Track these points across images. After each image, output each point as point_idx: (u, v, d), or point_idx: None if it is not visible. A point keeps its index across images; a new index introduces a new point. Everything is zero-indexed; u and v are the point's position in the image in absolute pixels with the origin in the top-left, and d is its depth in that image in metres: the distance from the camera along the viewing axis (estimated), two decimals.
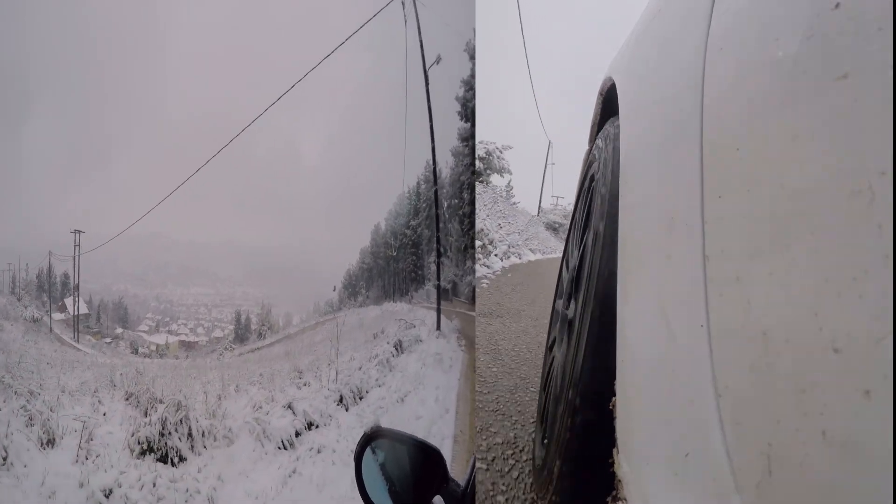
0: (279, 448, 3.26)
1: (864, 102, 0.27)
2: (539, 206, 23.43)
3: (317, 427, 3.51)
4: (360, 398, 3.97)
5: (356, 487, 0.60)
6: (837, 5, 0.30)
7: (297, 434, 3.39)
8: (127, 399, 3.81)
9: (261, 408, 3.65)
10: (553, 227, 20.87)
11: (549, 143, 24.58)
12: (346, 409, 3.76)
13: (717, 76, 0.46)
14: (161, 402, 3.46)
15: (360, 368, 4.42)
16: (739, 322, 0.37)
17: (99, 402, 3.77)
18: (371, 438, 0.61)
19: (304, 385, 4.29)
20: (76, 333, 6.78)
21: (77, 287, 6.90)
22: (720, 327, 0.40)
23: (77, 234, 6.60)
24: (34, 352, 5.23)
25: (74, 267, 6.71)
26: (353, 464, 0.60)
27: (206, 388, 4.32)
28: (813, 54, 0.31)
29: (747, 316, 0.36)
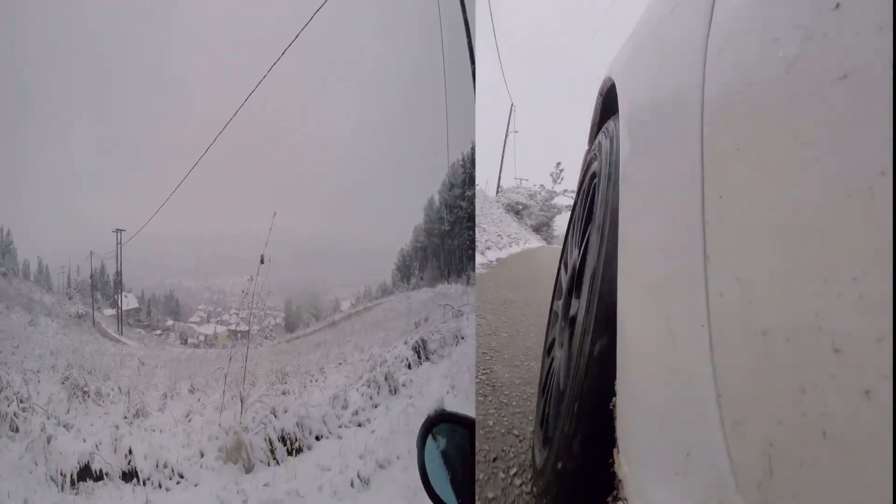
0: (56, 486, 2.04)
1: (864, 102, 0.27)
2: (498, 184, 20.12)
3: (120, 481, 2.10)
4: (250, 469, 2.22)
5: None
6: (837, 5, 0.30)
7: (89, 478, 2.08)
8: (63, 382, 3.28)
9: (189, 420, 2.57)
10: (515, 210, 17.30)
11: (512, 105, 20.11)
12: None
13: (717, 76, 0.46)
14: (84, 391, 3.01)
15: (351, 388, 2.90)
16: (739, 322, 0.37)
17: (38, 381, 3.24)
18: (434, 423, 0.58)
19: (284, 394, 3.12)
20: (120, 327, 6.90)
21: (121, 283, 7.04)
22: (720, 327, 0.40)
23: (119, 233, 6.75)
24: (52, 343, 5.08)
25: (118, 264, 6.85)
26: None
27: (175, 384, 3.75)
28: (813, 54, 0.31)
29: (747, 316, 0.36)
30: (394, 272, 7.87)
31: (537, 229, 19.04)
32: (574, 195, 1.27)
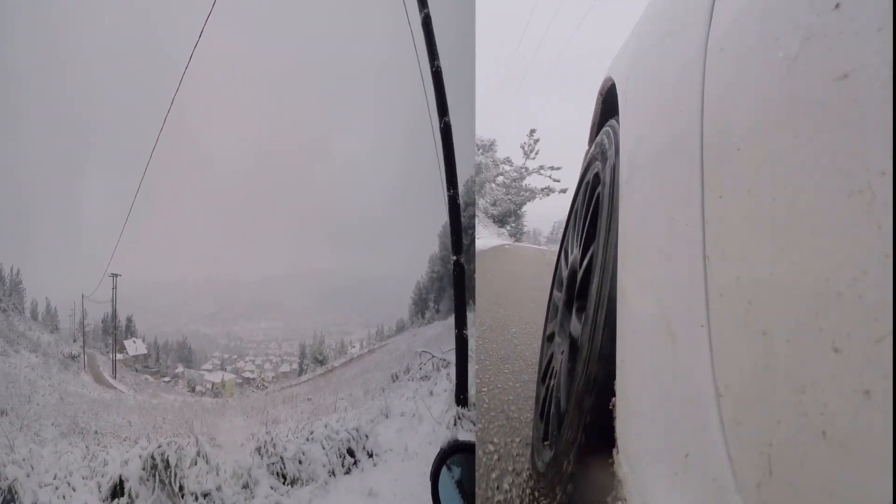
0: None
1: (864, 102, 0.27)
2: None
3: None
4: None
5: None
6: (837, 5, 0.30)
7: None
8: None
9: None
10: None
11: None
12: None
13: (717, 76, 0.46)
14: None
15: None
16: (739, 322, 0.37)
17: None
18: (448, 454, 0.58)
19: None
20: (114, 371, 6.92)
21: (115, 327, 7.08)
22: (720, 327, 0.40)
23: (114, 278, 6.78)
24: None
25: (112, 309, 6.86)
26: None
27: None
28: (813, 54, 0.31)
29: (747, 316, 0.36)
30: (410, 307, 7.53)
31: (501, 220, 14.66)
32: (574, 193, 1.26)
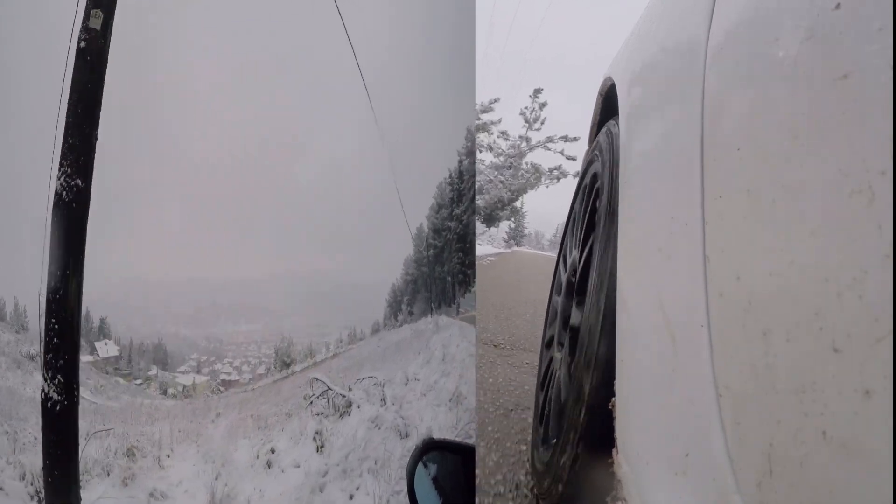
0: None
1: (864, 102, 0.27)
2: None
3: None
4: None
5: None
6: (838, 5, 0.30)
7: None
8: None
9: None
10: None
11: None
12: None
13: (717, 76, 0.46)
14: None
15: None
16: (739, 322, 0.37)
17: None
18: (423, 452, 0.58)
19: None
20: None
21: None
22: (720, 327, 0.40)
23: None
24: None
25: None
26: None
27: None
28: (813, 54, 0.31)
29: (747, 316, 0.36)
30: (385, 309, 7.57)
31: (490, 214, 11.09)
32: (574, 194, 1.26)
